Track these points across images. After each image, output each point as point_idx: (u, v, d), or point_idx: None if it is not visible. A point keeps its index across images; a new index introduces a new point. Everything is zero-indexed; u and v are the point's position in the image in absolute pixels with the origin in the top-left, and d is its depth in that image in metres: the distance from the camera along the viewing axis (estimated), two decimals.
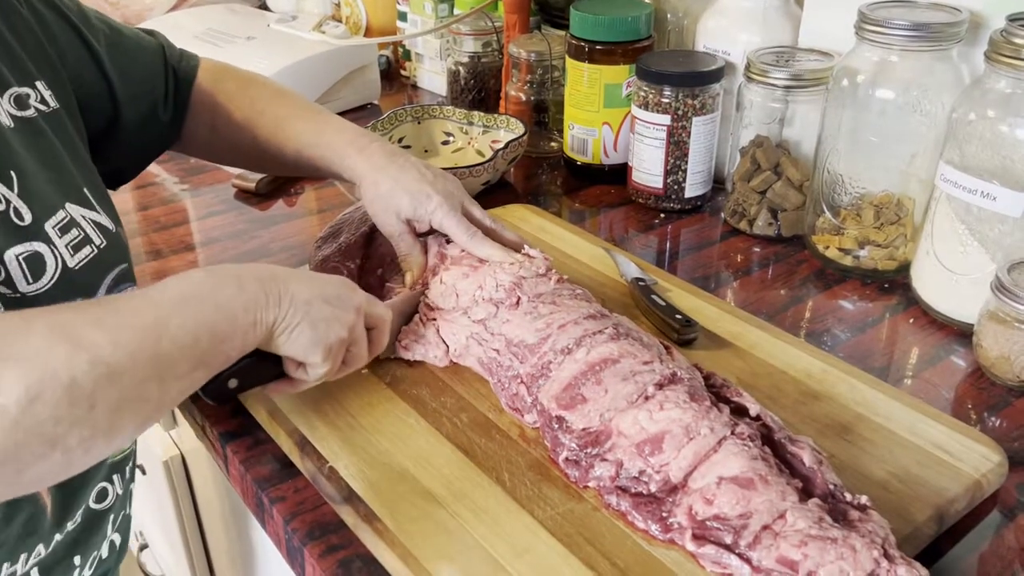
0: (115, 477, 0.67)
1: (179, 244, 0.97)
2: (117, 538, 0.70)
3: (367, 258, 0.81)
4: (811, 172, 0.92)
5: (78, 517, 0.64)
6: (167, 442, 0.96)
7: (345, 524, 0.59)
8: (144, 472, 0.99)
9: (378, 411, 0.66)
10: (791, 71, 0.91)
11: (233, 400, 0.61)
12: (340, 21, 1.46)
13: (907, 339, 0.80)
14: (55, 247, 0.58)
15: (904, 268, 0.87)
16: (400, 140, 1.11)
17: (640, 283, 0.80)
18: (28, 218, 0.57)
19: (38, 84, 0.63)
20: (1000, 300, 0.70)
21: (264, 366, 0.60)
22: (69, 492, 0.62)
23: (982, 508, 0.61)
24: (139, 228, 1.01)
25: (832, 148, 0.87)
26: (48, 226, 0.58)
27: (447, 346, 0.71)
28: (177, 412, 0.87)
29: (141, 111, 0.75)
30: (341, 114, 1.32)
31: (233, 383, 0.59)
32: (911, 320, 0.82)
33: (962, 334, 0.79)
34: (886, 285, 0.88)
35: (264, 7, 1.60)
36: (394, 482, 0.60)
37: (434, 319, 0.72)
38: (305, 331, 0.57)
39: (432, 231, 0.77)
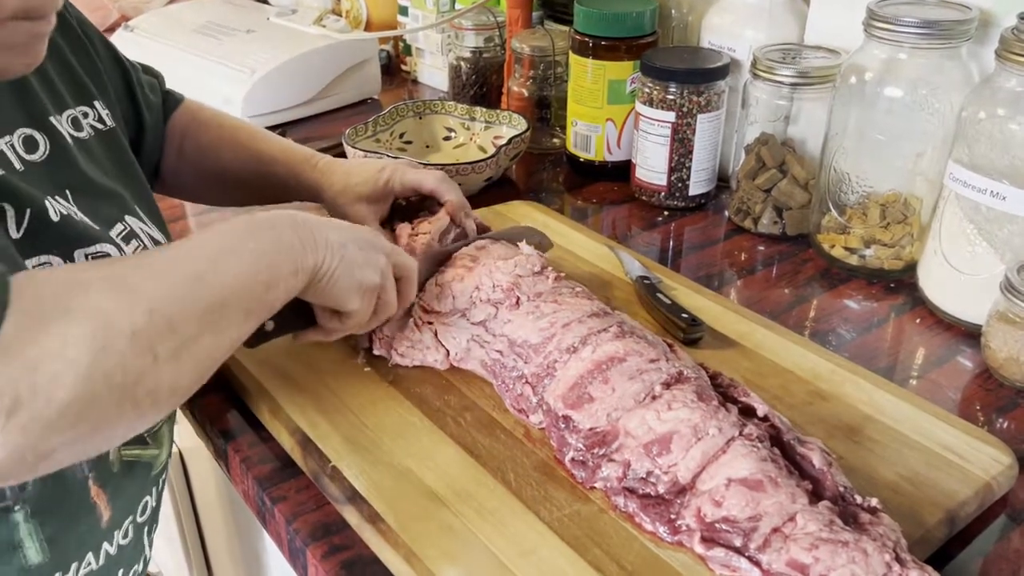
0: (154, 490, 0.67)
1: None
2: (149, 553, 0.70)
3: None
4: (817, 170, 0.91)
5: (129, 531, 0.64)
6: None
7: (348, 524, 0.58)
8: None
9: (380, 410, 0.66)
10: (797, 68, 0.90)
11: (265, 342, 0.62)
12: (340, 15, 1.45)
13: (913, 339, 0.80)
14: (123, 251, 0.59)
15: (910, 268, 0.86)
16: (401, 135, 1.10)
17: (645, 281, 0.80)
18: (95, 228, 0.58)
19: (96, 103, 0.65)
20: (1009, 301, 0.69)
21: (298, 312, 0.61)
22: (123, 505, 0.62)
23: (992, 511, 0.61)
24: None
25: (838, 146, 0.86)
26: (112, 234, 0.59)
27: (447, 350, 0.70)
28: (176, 409, 0.86)
29: (151, 141, 0.78)
30: (341, 109, 1.33)
31: (270, 325, 0.60)
32: (917, 320, 0.82)
33: (969, 335, 0.78)
34: (892, 285, 0.87)
35: (263, 0, 1.58)
36: (397, 482, 0.59)
37: (430, 323, 0.71)
38: (343, 276, 0.58)
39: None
